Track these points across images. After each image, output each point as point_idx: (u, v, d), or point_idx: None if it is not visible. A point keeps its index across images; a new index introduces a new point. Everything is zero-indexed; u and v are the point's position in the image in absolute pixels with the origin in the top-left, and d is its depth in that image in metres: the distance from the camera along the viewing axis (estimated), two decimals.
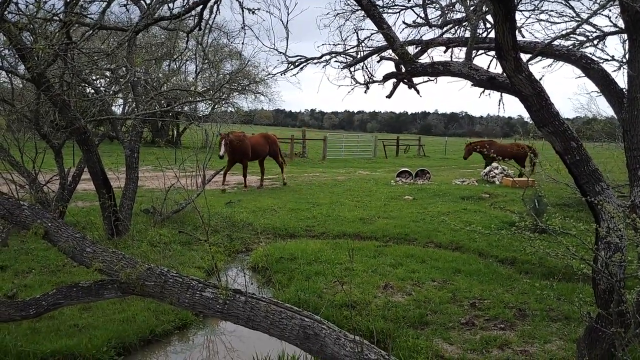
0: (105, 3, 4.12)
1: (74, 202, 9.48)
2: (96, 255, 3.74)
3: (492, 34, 3.94)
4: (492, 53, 5.57)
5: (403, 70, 4.99)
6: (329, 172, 19.85)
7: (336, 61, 6.70)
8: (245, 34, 4.80)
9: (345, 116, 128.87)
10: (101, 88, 8.32)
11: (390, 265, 6.52)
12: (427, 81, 5.98)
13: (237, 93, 27.11)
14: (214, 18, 4.12)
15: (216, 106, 25.41)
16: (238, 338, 4.91)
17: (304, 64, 7.25)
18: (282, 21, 5.41)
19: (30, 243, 7.00)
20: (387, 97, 5.46)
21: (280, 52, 6.68)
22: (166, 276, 3.72)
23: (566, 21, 6.00)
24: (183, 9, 4.29)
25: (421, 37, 6.73)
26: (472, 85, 3.85)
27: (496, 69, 5.89)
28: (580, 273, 2.95)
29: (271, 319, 3.50)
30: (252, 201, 11.34)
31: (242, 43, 5.58)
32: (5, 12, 4.47)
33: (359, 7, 6.49)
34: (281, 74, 7.48)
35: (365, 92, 7.01)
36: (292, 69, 7.32)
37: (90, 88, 8.33)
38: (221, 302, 3.57)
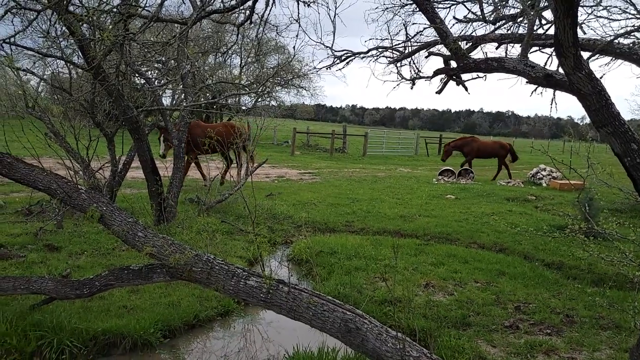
0: None
1: (123, 189, 9.82)
2: (147, 240, 3.87)
3: (550, 31, 3.82)
4: (548, 50, 5.39)
5: (454, 66, 4.90)
6: (369, 169, 19.76)
7: (383, 56, 6.67)
8: (300, 26, 4.82)
9: (387, 112, 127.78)
10: (156, 81, 8.57)
11: (432, 264, 6.44)
12: (475, 78, 5.86)
13: (280, 87, 27.34)
14: (270, 11, 4.16)
15: (259, 99, 25.74)
16: (275, 329, 4.97)
17: (350, 58, 7.24)
18: (329, 15, 5.43)
19: (83, 226, 7.32)
20: (436, 92, 5.38)
21: (327, 47, 6.71)
22: (212, 263, 3.81)
23: (627, 18, 5.75)
24: (236, 1, 4.35)
25: (472, 32, 6.58)
26: (526, 82, 3.75)
27: (551, 65, 5.71)
28: (636, 281, 2.83)
29: (313, 310, 3.53)
30: (292, 194, 11.43)
31: (296, 37, 5.60)
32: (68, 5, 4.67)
33: (410, 2, 6.43)
34: (327, 69, 7.51)
35: (412, 87, 6.94)
36: (337, 64, 7.34)
37: (141, 79, 8.59)
38: (265, 291, 3.63)
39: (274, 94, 27.68)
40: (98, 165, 8.76)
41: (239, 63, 26.27)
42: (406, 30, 6.39)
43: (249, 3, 4.39)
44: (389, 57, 6.52)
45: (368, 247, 7.07)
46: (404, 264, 6.31)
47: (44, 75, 9.93)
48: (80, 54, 6.64)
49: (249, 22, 4.68)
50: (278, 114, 26.88)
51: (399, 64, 6.78)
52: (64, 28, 5.62)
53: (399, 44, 6.35)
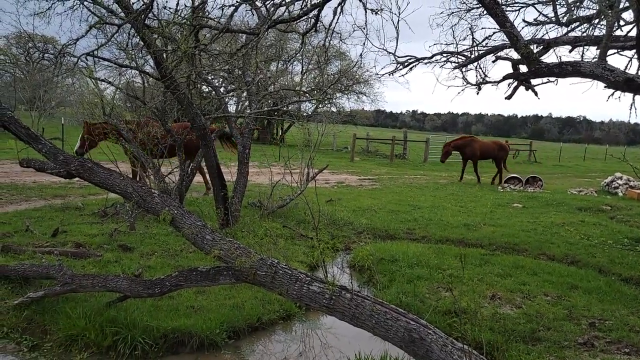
0: (234, 7, 4.39)
1: (189, 193, 10.22)
2: (215, 243, 4.01)
3: (631, 32, 3.59)
4: (628, 53, 5.08)
5: (523, 70, 4.73)
6: (431, 175, 19.39)
7: (447, 61, 6.54)
8: (367, 34, 4.83)
9: (449, 118, 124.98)
10: (220, 88, 8.86)
11: (498, 275, 6.21)
12: (546, 82, 5.62)
13: (340, 93, 27.46)
14: (337, 20, 4.20)
15: (319, 106, 25.97)
16: (333, 335, 4.97)
17: (414, 64, 7.16)
18: (392, 21, 5.40)
19: (153, 228, 7.67)
20: (506, 98, 5.21)
21: (390, 53, 6.68)
22: (276, 267, 3.88)
23: None
24: (301, 11, 4.43)
25: (543, 35, 6.32)
26: (605, 86, 3.55)
27: (631, 68, 5.36)
28: None
29: (376, 318, 3.50)
30: (352, 201, 11.42)
31: (363, 44, 5.58)
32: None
33: (476, 5, 6.28)
34: (389, 74, 7.47)
35: (478, 93, 6.76)
36: (400, 69, 7.28)
37: (208, 87, 8.94)
38: (327, 297, 3.65)
39: (334, 100, 27.85)
40: (167, 171, 9.21)
41: (300, 70, 26.67)
42: (472, 35, 6.21)
43: (315, 12, 4.45)
44: (454, 62, 6.39)
45: (430, 256, 6.93)
46: (469, 274, 6.13)
47: (119, 84, 10.56)
48: (152, 64, 7.03)
49: (314, 30, 4.74)
50: (338, 120, 26.99)
51: (464, 69, 6.63)
52: (137, 40, 5.96)
53: (466, 49, 6.20)
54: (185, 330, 4.29)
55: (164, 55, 5.85)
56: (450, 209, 10.91)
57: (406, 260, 6.68)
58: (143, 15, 4.42)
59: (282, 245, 6.76)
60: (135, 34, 5.12)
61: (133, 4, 4.51)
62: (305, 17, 4.48)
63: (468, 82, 6.79)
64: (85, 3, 5.20)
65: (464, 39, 6.31)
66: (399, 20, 5.42)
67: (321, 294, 3.66)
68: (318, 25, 4.89)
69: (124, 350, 4.04)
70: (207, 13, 5.50)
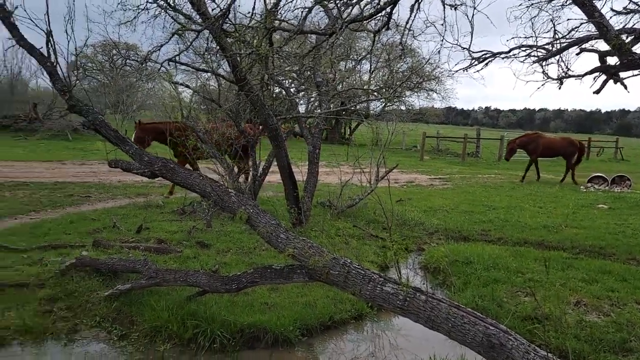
0: (307, 9, 4.45)
1: (260, 192, 10.48)
2: (289, 242, 4.08)
3: None
4: None
5: (611, 62, 4.41)
6: (506, 174, 18.59)
7: (526, 55, 6.24)
8: (445, 30, 4.71)
9: (525, 114, 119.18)
10: (291, 89, 9.03)
11: (583, 281, 5.84)
12: (637, 75, 5.20)
13: (410, 91, 27.02)
14: (414, 17, 4.14)
15: (388, 104, 25.70)
16: (404, 337, 4.90)
17: (490, 59, 6.90)
18: (467, 16, 5.22)
19: (228, 226, 7.95)
20: (595, 92, 4.90)
21: (464, 48, 6.47)
22: (349, 267, 3.89)
23: None
24: (374, 9, 4.40)
25: (634, 25, 5.85)
26: None
27: None
28: None
29: (452, 322, 3.41)
30: (423, 200, 11.21)
31: (442, 39, 5.43)
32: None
33: None
34: (463, 70, 7.24)
35: (559, 87, 6.39)
36: (475, 65, 7.03)
37: (279, 89, 9.13)
38: (401, 299, 3.60)
39: (403, 98, 27.44)
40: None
41: (369, 68, 26.51)
42: (554, 27, 5.87)
43: (387, 10, 4.41)
44: (534, 56, 6.08)
45: (507, 258, 6.65)
46: (550, 279, 5.82)
47: (196, 88, 11.04)
48: (225, 68, 7.31)
49: (386, 28, 4.70)
50: (407, 118, 26.59)
51: (544, 63, 6.29)
52: (212, 45, 6.19)
53: (548, 43, 5.88)
54: (261, 326, 4.40)
55: (239, 59, 6.04)
56: (528, 209, 10.41)
57: (482, 263, 6.45)
58: (220, 21, 4.59)
59: (355, 245, 6.76)
60: (212, 40, 5.32)
61: (213, 10, 4.69)
62: (378, 15, 4.45)
63: (549, 77, 6.46)
64: (167, 11, 5.49)
65: (548, 32, 5.93)
66: (473, 14, 5.24)
67: (395, 295, 3.62)
68: (390, 22, 4.83)
69: (204, 342, 4.22)
70: (280, 16, 5.62)
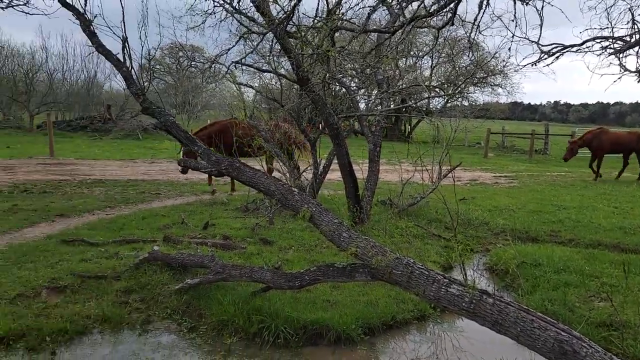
0: (371, 8, 4.44)
1: (320, 190, 10.57)
2: (351, 241, 4.09)
3: None
4: None
5: None
6: (577, 172, 17.65)
7: (604, 48, 5.88)
8: (516, 25, 4.55)
9: (597, 108, 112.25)
10: (352, 87, 9.03)
11: None
12: None
13: (473, 86, 26.25)
14: (483, 13, 4.02)
15: (450, 100, 25.12)
16: (467, 339, 4.78)
17: (561, 52, 6.58)
18: (535, 7, 5.00)
19: (289, 223, 8.09)
20: None
21: (532, 41, 6.20)
22: (412, 267, 3.85)
23: None
24: (437, 6, 4.32)
25: None
26: None
27: None
28: None
29: (521, 326, 3.30)
30: (487, 199, 10.86)
31: (512, 37, 5.26)
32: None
33: None
34: (532, 65, 6.94)
35: (639, 81, 5.99)
36: (545, 59, 6.73)
37: (340, 87, 9.14)
38: (467, 301, 3.52)
39: (466, 94, 26.70)
40: (302, 169, 9.63)
41: (430, 64, 26.03)
42: (632, 17, 5.50)
43: (451, 6, 4.31)
44: (611, 48, 5.73)
45: (579, 261, 6.32)
46: (629, 284, 5.47)
47: (258, 88, 11.30)
48: (286, 68, 7.44)
49: (450, 24, 4.59)
50: (470, 115, 25.83)
51: (621, 55, 5.92)
52: (275, 46, 6.31)
53: (625, 34, 5.52)
54: (323, 323, 4.45)
55: (301, 59, 6.12)
56: (602, 209, 9.83)
57: (551, 265, 6.17)
58: (285, 23, 4.67)
59: (417, 245, 6.67)
60: (276, 42, 5.42)
61: (278, 12, 4.79)
62: (442, 11, 4.36)
63: (626, 69, 6.07)
64: (234, 15, 5.67)
65: (627, 23, 5.56)
66: (543, 6, 5.01)
67: (460, 297, 3.55)
68: (455, 18, 4.72)
69: (268, 338, 4.32)
70: (342, 15, 5.64)
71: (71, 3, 5.07)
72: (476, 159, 22.10)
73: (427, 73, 26.48)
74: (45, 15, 7.68)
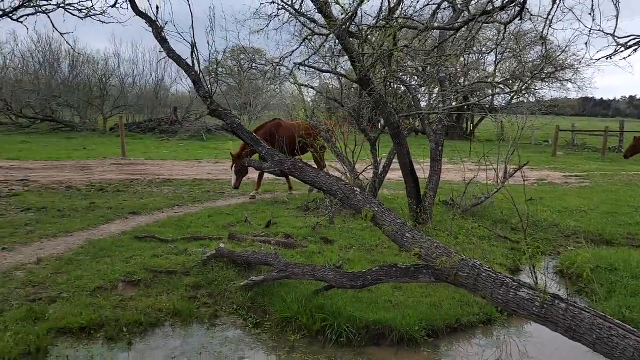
0: (436, 5, 4.38)
1: (380, 190, 10.50)
2: (415, 241, 4.05)
3: None
4: None
5: None
6: None
7: None
8: (594, 18, 4.34)
9: None
10: (413, 85, 8.92)
11: None
12: None
13: (540, 81, 25.11)
14: (557, 7, 3.86)
15: (515, 97, 24.15)
16: (534, 345, 4.61)
17: (638, 45, 6.17)
18: None
19: (350, 223, 8.11)
20: None
21: (607, 34, 5.86)
22: (479, 269, 3.75)
23: None
24: (505, 0, 4.18)
25: None
26: None
27: None
28: None
29: (597, 333, 3.14)
30: (556, 200, 10.38)
31: (590, 31, 5.00)
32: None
33: None
34: (607, 58, 6.56)
35: None
36: (621, 51, 6.33)
37: (401, 86, 9.06)
38: (538, 305, 3.39)
39: (533, 89, 25.57)
40: (361, 168, 9.63)
41: (494, 60, 25.17)
42: None
43: (520, 0, 4.16)
44: None
45: None
46: None
47: (318, 88, 11.41)
48: (345, 68, 7.46)
49: (519, 18, 4.44)
50: (538, 112, 24.71)
51: None
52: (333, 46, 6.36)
53: None
54: (386, 324, 4.43)
55: (362, 59, 6.12)
56: None
57: (629, 270, 5.81)
58: (348, 23, 4.69)
59: (485, 247, 6.49)
60: (338, 42, 5.46)
61: (342, 16, 4.83)
62: (510, 5, 4.22)
63: None
64: (292, 16, 5.77)
65: None
66: None
67: (531, 302, 3.42)
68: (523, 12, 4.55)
69: (331, 336, 4.37)
70: (404, 14, 5.59)
71: (144, 12, 5.35)
72: (544, 157, 21.13)
73: (490, 69, 25.60)
74: (120, 23, 8.18)
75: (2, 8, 7.22)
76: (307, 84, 8.86)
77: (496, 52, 23.97)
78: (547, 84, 26.47)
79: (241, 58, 36.39)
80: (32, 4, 7.26)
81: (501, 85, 18.09)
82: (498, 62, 25.10)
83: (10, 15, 7.32)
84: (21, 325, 4.15)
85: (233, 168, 9.77)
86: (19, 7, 7.31)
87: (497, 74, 24.73)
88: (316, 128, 9.02)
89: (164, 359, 4.08)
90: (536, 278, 3.47)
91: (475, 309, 4.96)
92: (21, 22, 7.69)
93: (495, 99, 23.40)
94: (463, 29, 4.66)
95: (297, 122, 10.43)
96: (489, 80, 19.01)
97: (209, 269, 5.50)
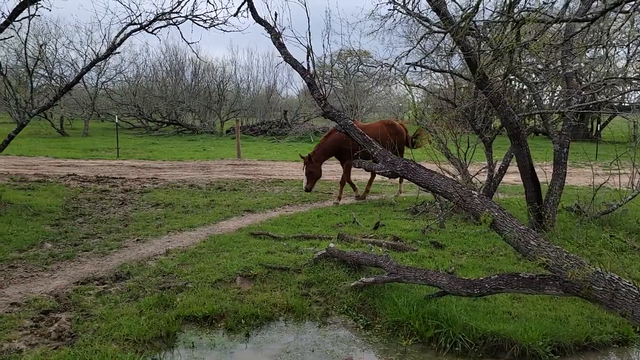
0: None
1: (495, 194, 9.95)
2: (540, 250, 3.76)
3: None
4: None
5: None
6: None
7: None
8: None
9: None
10: (534, 82, 8.35)
11: None
12: None
13: None
14: None
15: None
16: None
17: None
18: None
19: (461, 227, 7.79)
20: None
21: None
22: (617, 284, 3.39)
23: None
24: None
25: None
26: None
27: None
28: None
29: None
30: None
31: None
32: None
33: None
34: None
35: None
36: None
37: (521, 84, 8.52)
38: None
39: None
40: (475, 170, 9.21)
41: (626, 53, 22.69)
42: None
43: None
44: None
45: None
46: None
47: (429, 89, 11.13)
48: (452, 66, 7.18)
49: None
50: None
51: None
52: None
53: None
54: (505, 336, 4.16)
55: (479, 57, 5.85)
56: None
57: None
58: (468, 20, 4.50)
59: (623, 260, 5.87)
60: (454, 41, 5.26)
61: (461, 13, 4.65)
62: None
63: None
64: (404, 16, 5.68)
65: None
66: None
67: None
68: None
69: (445, 344, 4.20)
70: (523, 6, 5.23)
71: (263, 19, 5.60)
72: None
73: (619, 64, 23.13)
74: (240, 31, 8.67)
75: (140, 22, 8.01)
76: (418, 84, 8.65)
77: (628, 44, 21.59)
78: None
79: (347, 61, 36.77)
80: (165, 17, 7.97)
81: (634, 81, 16.26)
82: (632, 56, 22.59)
83: (146, 28, 8.10)
84: (153, 310, 4.54)
85: (304, 170, 9.82)
86: (154, 20, 8.06)
87: (629, 68, 22.26)
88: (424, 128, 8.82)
89: (279, 353, 4.21)
90: None
91: (608, 326, 4.49)
92: (154, 34, 8.49)
93: (627, 96, 21.11)
94: (601, 21, 4.22)
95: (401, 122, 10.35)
96: (620, 76, 17.15)
97: (319, 268, 5.59)
